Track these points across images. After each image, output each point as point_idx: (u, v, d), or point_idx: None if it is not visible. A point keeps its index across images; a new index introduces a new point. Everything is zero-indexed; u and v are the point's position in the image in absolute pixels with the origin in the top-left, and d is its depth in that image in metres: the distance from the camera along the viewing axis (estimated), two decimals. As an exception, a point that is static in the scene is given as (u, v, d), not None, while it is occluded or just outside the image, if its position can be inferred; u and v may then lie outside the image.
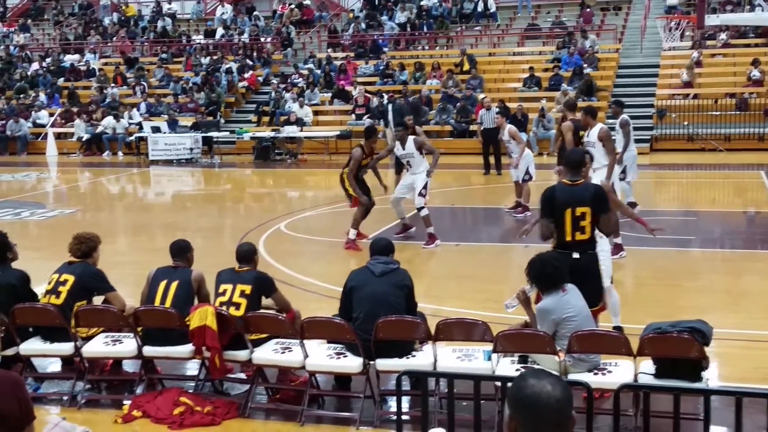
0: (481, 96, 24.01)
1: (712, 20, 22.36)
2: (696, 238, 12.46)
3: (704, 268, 11.01)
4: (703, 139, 22.65)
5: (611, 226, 7.02)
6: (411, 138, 12.29)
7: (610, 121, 15.44)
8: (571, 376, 5.63)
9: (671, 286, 9.97)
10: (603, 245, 7.28)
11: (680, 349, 5.70)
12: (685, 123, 23.01)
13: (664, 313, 7.82)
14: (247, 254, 7.01)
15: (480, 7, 30.33)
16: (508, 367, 6.11)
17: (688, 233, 12.65)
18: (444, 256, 11.91)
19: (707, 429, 5.14)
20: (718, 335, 6.13)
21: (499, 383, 5.75)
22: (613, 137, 11.22)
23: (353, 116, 25.37)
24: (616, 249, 11.08)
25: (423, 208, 12.06)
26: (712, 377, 6.17)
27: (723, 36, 26.55)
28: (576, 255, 6.69)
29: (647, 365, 5.91)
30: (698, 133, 22.80)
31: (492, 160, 19.34)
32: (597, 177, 10.89)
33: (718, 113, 23.05)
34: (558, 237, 6.80)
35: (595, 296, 6.69)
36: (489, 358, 6.14)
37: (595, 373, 5.93)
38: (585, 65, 25.78)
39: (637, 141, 22.30)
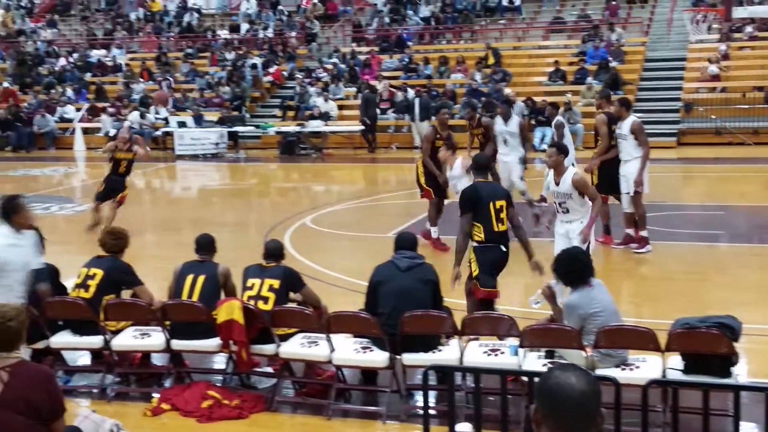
0: (506, 90, 23.93)
1: (739, 12, 22.16)
2: (725, 232, 12.34)
3: (733, 262, 10.90)
4: (730, 133, 22.43)
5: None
6: (516, 118, 12.33)
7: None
8: (599, 372, 5.61)
9: (700, 281, 9.90)
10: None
11: (709, 345, 5.66)
12: (713, 116, 22.79)
13: (692, 308, 7.76)
14: (275, 251, 7.05)
15: (505, 1, 30.18)
16: (534, 362, 6.09)
17: (717, 228, 12.54)
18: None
19: (737, 425, 5.09)
20: (748, 331, 6.08)
21: (525, 378, 5.74)
22: (645, 130, 11.01)
23: (378, 110, 25.35)
24: (642, 242, 11.02)
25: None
26: (741, 373, 6.12)
27: (750, 28, 26.24)
28: (504, 248, 7.47)
29: (676, 361, 5.87)
30: (726, 127, 22.58)
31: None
32: (629, 168, 10.84)
33: (746, 106, 22.80)
34: (485, 230, 7.38)
35: None
36: (515, 353, 6.13)
37: (623, 369, 5.90)
38: (611, 59, 25.60)
39: (663, 135, 22.40)
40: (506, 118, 12.58)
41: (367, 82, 26.05)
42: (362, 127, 23.90)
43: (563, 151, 8.39)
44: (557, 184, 8.17)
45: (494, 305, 7.50)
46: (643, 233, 11.03)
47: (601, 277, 6.30)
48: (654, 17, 29.10)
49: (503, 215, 7.46)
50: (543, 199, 12.50)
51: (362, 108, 24.10)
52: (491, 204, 7.40)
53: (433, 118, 12.21)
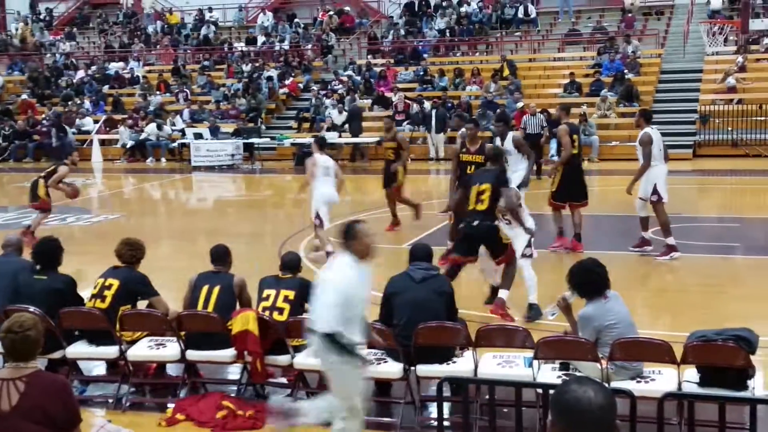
0: (520, 103, 23.93)
1: (756, 24, 22.07)
2: (741, 245, 12.28)
3: (749, 275, 10.84)
4: (747, 145, 22.32)
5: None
6: (511, 134, 11.70)
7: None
8: (614, 384, 5.59)
9: (716, 293, 9.84)
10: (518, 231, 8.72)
11: (725, 358, 5.63)
12: (729, 128, 22.70)
13: (709, 321, 7.72)
14: (291, 263, 7.09)
15: (520, 13, 30.22)
16: (549, 374, 6.07)
17: (733, 240, 12.48)
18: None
19: (753, 439, 5.06)
20: (764, 344, 6.04)
21: (540, 390, 5.73)
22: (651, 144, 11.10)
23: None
24: (669, 250, 11.03)
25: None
26: (757, 386, 6.07)
27: (767, 41, 26.14)
28: (476, 222, 8.66)
29: (691, 373, 5.84)
30: (742, 139, 22.47)
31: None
32: (648, 175, 11.01)
33: (762, 118, 22.70)
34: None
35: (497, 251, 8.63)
36: (530, 365, 6.12)
37: (638, 381, 5.88)
38: (626, 70, 25.56)
39: (680, 147, 22.32)
40: (502, 136, 11.68)
41: (353, 96, 26.35)
42: (377, 139, 23.96)
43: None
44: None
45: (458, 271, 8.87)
46: (670, 241, 11.08)
47: (617, 289, 6.28)
48: (670, 29, 29.05)
49: (483, 197, 8.65)
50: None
51: (348, 121, 24.40)
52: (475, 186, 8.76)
53: (460, 130, 11.50)
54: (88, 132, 27.89)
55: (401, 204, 13.86)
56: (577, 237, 11.71)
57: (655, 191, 10.99)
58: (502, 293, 8.75)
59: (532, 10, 30.36)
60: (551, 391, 3.12)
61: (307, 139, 24.19)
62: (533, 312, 8.64)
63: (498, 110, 23.80)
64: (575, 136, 11.79)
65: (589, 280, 6.10)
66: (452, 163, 11.11)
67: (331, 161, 12.11)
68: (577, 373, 5.93)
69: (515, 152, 11.51)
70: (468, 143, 10.91)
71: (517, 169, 11.42)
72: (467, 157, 10.75)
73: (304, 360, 6.61)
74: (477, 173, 9.36)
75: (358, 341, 5.39)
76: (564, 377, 5.93)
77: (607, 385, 5.48)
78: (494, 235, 8.66)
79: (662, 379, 5.90)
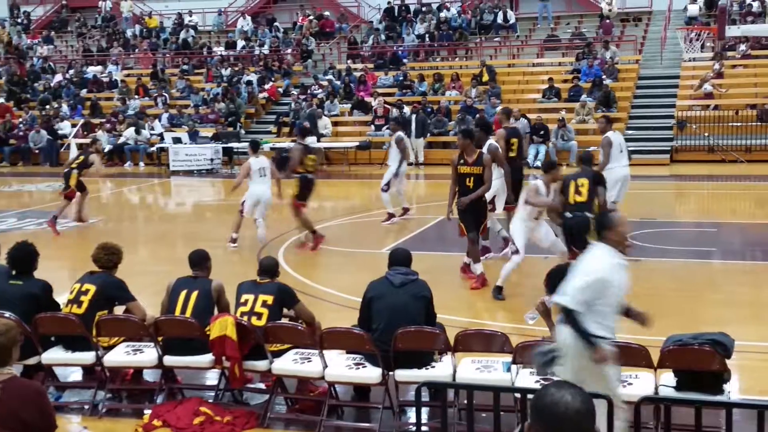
0: (499, 107, 24.01)
1: (732, 31, 22.21)
2: (717, 249, 12.38)
3: (725, 279, 10.93)
4: (723, 151, 22.52)
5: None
6: (488, 142, 11.33)
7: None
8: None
9: (692, 297, 9.91)
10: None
11: (701, 362, 5.67)
12: (706, 134, 22.89)
13: (685, 325, 7.77)
14: (269, 267, 7.06)
15: (499, 19, 30.35)
16: (527, 378, 6.09)
17: (709, 245, 12.58)
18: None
19: (729, 442, 5.10)
20: (740, 348, 6.09)
21: (518, 395, 5.74)
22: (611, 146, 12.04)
23: (372, 127, 25.44)
24: None
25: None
26: (733, 390, 6.12)
27: (743, 47, 26.41)
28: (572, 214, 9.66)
29: (668, 377, 5.88)
30: (719, 144, 22.67)
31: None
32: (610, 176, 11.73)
33: (738, 124, 22.91)
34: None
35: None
36: (508, 370, 6.13)
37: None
38: (604, 76, 25.73)
39: (657, 152, 22.49)
40: (479, 143, 11.15)
41: (310, 100, 26.55)
42: (356, 144, 24.00)
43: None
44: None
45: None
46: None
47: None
48: (647, 35, 29.29)
49: (582, 189, 9.89)
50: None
51: (309, 124, 24.48)
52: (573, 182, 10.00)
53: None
54: (65, 136, 27.69)
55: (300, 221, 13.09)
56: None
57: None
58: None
59: (511, 16, 30.51)
60: (529, 396, 3.13)
61: (287, 143, 24.19)
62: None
63: (477, 115, 23.97)
64: (514, 140, 11.79)
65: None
66: (451, 174, 10.55)
67: (267, 162, 13.19)
68: (555, 378, 5.95)
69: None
70: (465, 155, 10.25)
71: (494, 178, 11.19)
72: (465, 169, 10.15)
73: (282, 365, 6.60)
74: (573, 173, 10.36)
75: (599, 333, 5.22)
76: (542, 382, 5.95)
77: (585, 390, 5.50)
78: (586, 228, 9.20)
79: (639, 383, 5.94)
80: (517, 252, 9.61)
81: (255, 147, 13.24)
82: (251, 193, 12.85)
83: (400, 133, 14.03)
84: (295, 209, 12.83)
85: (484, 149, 11.03)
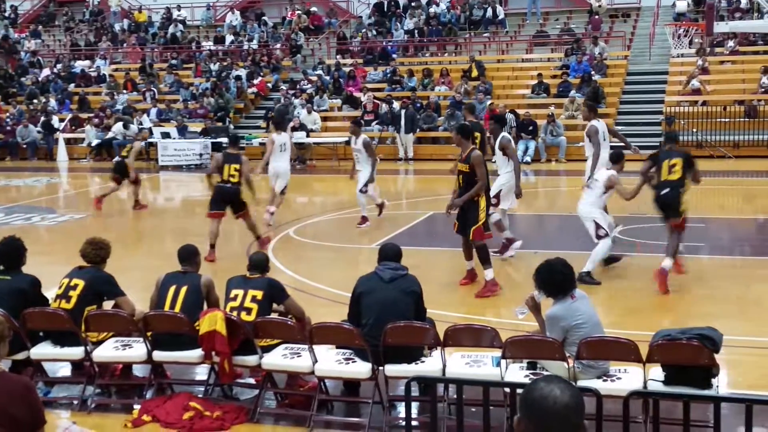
0: (488, 102, 24.09)
1: (720, 27, 22.31)
2: (705, 245, 12.43)
3: (714, 275, 10.97)
4: (711, 146, 22.61)
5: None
6: (501, 135, 11.33)
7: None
8: (581, 383, 5.63)
9: (681, 293, 9.95)
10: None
11: (690, 356, 5.69)
12: (694, 130, 22.98)
13: (673, 320, 7.83)
14: (259, 263, 7.05)
15: (489, 14, 30.37)
16: (516, 373, 6.11)
17: (698, 240, 12.62)
18: (452, 262, 11.91)
19: (717, 436, 5.13)
20: (728, 342, 6.12)
21: (508, 389, 5.76)
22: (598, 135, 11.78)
23: (362, 122, 25.39)
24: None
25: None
26: (721, 384, 6.15)
27: (731, 43, 26.51)
28: (665, 191, 10.03)
29: (657, 372, 5.90)
30: (707, 140, 22.76)
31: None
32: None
33: (726, 120, 23.01)
34: None
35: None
36: (498, 365, 6.14)
37: (605, 380, 5.93)
38: (593, 72, 25.79)
39: (645, 147, 22.46)
40: (494, 134, 11.51)
41: (284, 94, 26.56)
42: (346, 139, 23.95)
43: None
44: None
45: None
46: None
47: (583, 289, 6.33)
48: (636, 31, 29.37)
49: (676, 168, 10.07)
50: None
51: (276, 119, 24.42)
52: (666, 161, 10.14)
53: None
54: (56, 130, 27.55)
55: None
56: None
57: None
58: (666, 262, 9.82)
59: (501, 12, 30.53)
60: (519, 391, 3.14)
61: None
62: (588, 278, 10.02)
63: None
64: (477, 134, 11.56)
65: (553, 280, 6.14)
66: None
67: (287, 138, 14.17)
68: (545, 372, 5.97)
69: (500, 154, 11.43)
70: (462, 151, 10.00)
71: (503, 171, 11.47)
72: (460, 166, 9.92)
73: (272, 360, 6.60)
74: (663, 151, 10.59)
75: None
76: (531, 376, 5.97)
77: (574, 384, 5.52)
78: (677, 203, 9.95)
79: (628, 378, 5.95)
80: (607, 235, 10.32)
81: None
82: (272, 167, 13.93)
83: (366, 137, 13.85)
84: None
85: (497, 142, 11.31)
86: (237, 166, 11.90)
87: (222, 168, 11.93)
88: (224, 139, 24.39)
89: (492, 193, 11.03)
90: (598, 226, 10.34)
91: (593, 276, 10.18)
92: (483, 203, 9.77)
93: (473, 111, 13.22)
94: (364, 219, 13.90)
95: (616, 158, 10.77)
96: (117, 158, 17.12)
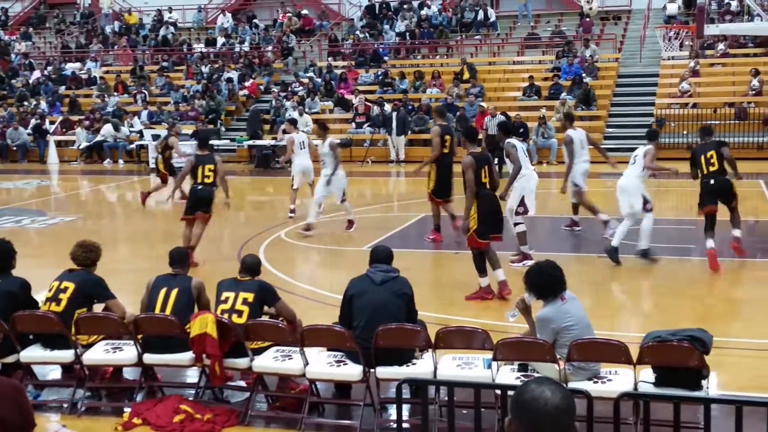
0: (482, 104, 24.10)
1: (711, 30, 22.39)
2: (696, 246, 12.46)
3: (704, 276, 11.01)
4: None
5: None
6: (506, 141, 11.25)
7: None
8: (571, 385, 5.64)
9: (671, 294, 9.98)
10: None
11: (680, 358, 5.71)
12: (684, 132, 23.04)
13: (664, 322, 7.84)
14: (251, 266, 7.05)
15: (480, 17, 30.41)
16: (508, 375, 6.11)
17: (688, 242, 12.67)
18: (444, 263, 11.92)
19: (707, 437, 5.14)
20: (718, 344, 6.14)
21: (499, 391, 5.76)
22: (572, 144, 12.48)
23: (353, 125, 25.43)
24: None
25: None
26: (712, 386, 6.17)
27: (722, 46, 26.61)
28: (712, 181, 11.13)
29: (647, 374, 5.92)
30: (697, 142, 22.80)
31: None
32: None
33: (717, 122, 23.06)
34: None
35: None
36: (489, 367, 6.15)
37: (595, 382, 5.94)
38: (584, 74, 25.85)
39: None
40: (500, 142, 11.66)
41: (254, 96, 26.64)
42: (338, 141, 23.90)
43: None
44: None
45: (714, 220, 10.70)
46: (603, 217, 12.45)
47: (573, 291, 6.34)
48: (627, 34, 29.45)
49: (713, 160, 11.08)
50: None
51: (248, 123, 24.48)
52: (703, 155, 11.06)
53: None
54: (47, 132, 27.46)
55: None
56: (437, 228, 12.78)
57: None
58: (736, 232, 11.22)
59: (492, 14, 30.58)
60: (510, 392, 3.14)
61: (267, 141, 24.13)
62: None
63: (458, 113, 24.01)
64: (447, 137, 12.45)
65: (542, 282, 6.15)
66: None
67: (305, 137, 15.03)
68: (536, 374, 5.98)
69: (509, 161, 11.32)
70: None
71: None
72: None
73: (263, 363, 6.59)
74: (700, 146, 11.53)
75: None
76: (522, 378, 5.98)
77: (565, 385, 5.53)
78: (729, 188, 11.07)
79: (618, 380, 5.97)
80: (652, 209, 11.28)
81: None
82: (296, 165, 14.78)
83: (332, 139, 13.75)
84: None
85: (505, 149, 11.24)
86: (211, 167, 11.64)
87: (196, 170, 11.64)
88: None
89: (515, 204, 11.00)
90: (645, 201, 11.22)
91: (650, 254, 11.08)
92: (475, 211, 9.35)
93: (443, 115, 13.44)
94: (350, 222, 13.75)
95: (654, 135, 12.07)
96: (154, 155, 17.71)
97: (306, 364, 6.41)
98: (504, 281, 9.49)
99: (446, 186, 12.55)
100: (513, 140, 11.34)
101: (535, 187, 11.27)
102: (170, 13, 34.95)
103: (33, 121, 27.62)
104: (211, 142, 22.87)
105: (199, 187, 11.66)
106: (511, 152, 11.22)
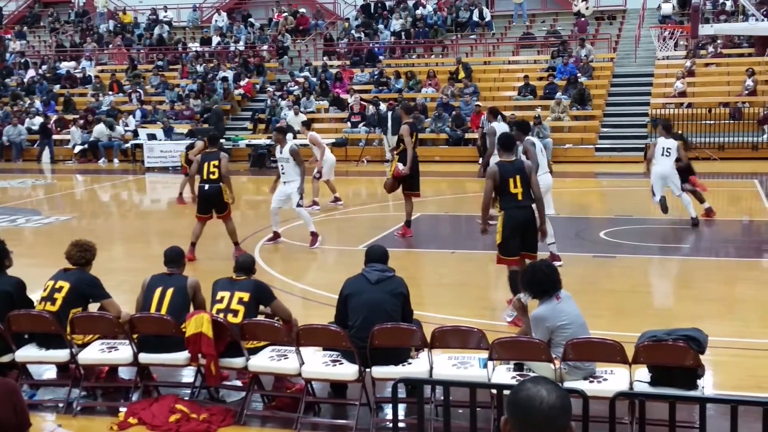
0: (477, 104, 24.13)
1: (705, 30, 22.42)
2: (690, 246, 12.51)
3: (699, 276, 11.04)
4: (697, 148, 22.71)
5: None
6: (526, 138, 10.86)
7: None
8: (567, 384, 5.65)
9: (666, 294, 10.00)
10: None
11: (675, 357, 5.72)
12: (679, 132, 23.05)
13: (659, 321, 7.85)
14: (246, 265, 7.04)
15: (475, 16, 30.43)
16: (503, 374, 6.12)
17: (683, 242, 12.71)
18: (440, 263, 11.93)
19: (702, 437, 5.15)
20: (713, 343, 6.15)
21: (494, 391, 5.77)
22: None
23: (348, 124, 25.43)
24: None
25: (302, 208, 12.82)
26: (707, 385, 6.18)
27: (711, 48, 26.66)
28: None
29: (642, 373, 5.92)
30: (692, 142, 22.86)
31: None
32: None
33: (712, 122, 23.13)
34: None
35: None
36: (485, 366, 6.15)
37: (591, 381, 5.94)
38: (579, 74, 25.88)
39: (631, 150, 22.64)
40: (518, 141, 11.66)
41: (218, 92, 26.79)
42: (333, 141, 23.93)
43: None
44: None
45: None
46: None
47: (569, 290, 6.35)
48: (622, 33, 29.49)
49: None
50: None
51: (212, 122, 24.47)
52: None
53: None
54: (37, 132, 27.43)
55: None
56: (407, 224, 13.15)
57: None
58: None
59: (487, 14, 30.60)
60: (505, 392, 3.14)
61: (262, 140, 24.12)
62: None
63: (453, 113, 24.03)
64: (414, 134, 13.00)
65: (536, 281, 6.16)
66: None
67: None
68: (532, 374, 5.98)
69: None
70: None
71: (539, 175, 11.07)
72: None
73: (259, 362, 6.58)
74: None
75: None
76: (518, 377, 5.98)
77: (561, 385, 5.53)
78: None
79: (614, 379, 5.97)
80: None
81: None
82: (327, 158, 16.28)
83: (293, 145, 13.18)
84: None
85: (520, 148, 10.49)
86: (216, 162, 11.69)
87: (202, 167, 11.80)
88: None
89: None
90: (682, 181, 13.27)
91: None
92: (500, 224, 8.60)
93: (410, 111, 13.78)
94: (314, 235, 12.86)
95: (669, 127, 13.72)
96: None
97: (302, 363, 6.40)
98: None
99: (413, 179, 13.05)
100: (532, 138, 11.21)
101: (550, 186, 11.03)
102: (165, 12, 34.90)
103: (36, 120, 27.53)
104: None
105: (206, 186, 11.81)
106: (530, 150, 10.81)
